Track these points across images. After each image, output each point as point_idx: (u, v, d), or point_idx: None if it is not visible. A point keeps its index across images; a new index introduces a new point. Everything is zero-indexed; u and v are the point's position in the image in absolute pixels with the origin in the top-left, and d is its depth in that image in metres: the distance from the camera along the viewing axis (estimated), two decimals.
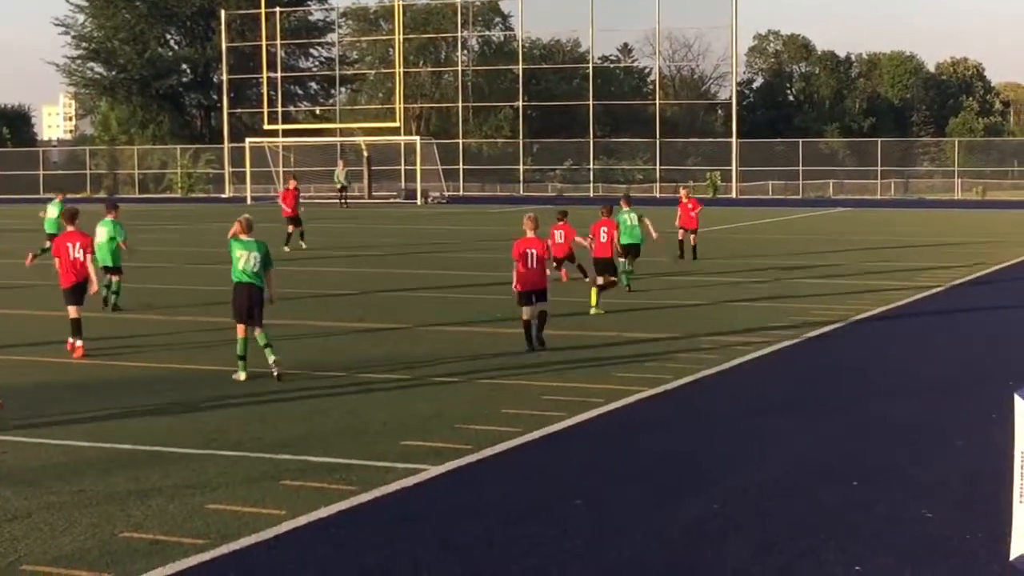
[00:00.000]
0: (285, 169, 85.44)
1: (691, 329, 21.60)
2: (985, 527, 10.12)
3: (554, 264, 24.69)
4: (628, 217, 28.48)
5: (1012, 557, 8.54)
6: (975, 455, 12.75)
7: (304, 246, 39.55)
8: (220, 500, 11.12)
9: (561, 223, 26.63)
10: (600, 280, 24.46)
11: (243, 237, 17.31)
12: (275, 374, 17.04)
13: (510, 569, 9.40)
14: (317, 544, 9.97)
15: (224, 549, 9.78)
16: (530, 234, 19.76)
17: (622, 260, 27.33)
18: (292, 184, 42.84)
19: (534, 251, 19.64)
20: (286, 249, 37.96)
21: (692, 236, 35.36)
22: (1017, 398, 8.65)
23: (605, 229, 24.99)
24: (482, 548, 9.91)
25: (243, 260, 17.17)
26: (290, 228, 39.83)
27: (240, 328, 17.26)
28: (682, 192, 37.22)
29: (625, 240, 27.71)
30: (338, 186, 69.53)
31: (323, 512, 10.74)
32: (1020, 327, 22.66)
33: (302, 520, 10.51)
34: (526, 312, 19.60)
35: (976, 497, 11.21)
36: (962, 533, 10.16)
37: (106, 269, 23.49)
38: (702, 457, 12.96)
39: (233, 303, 17.32)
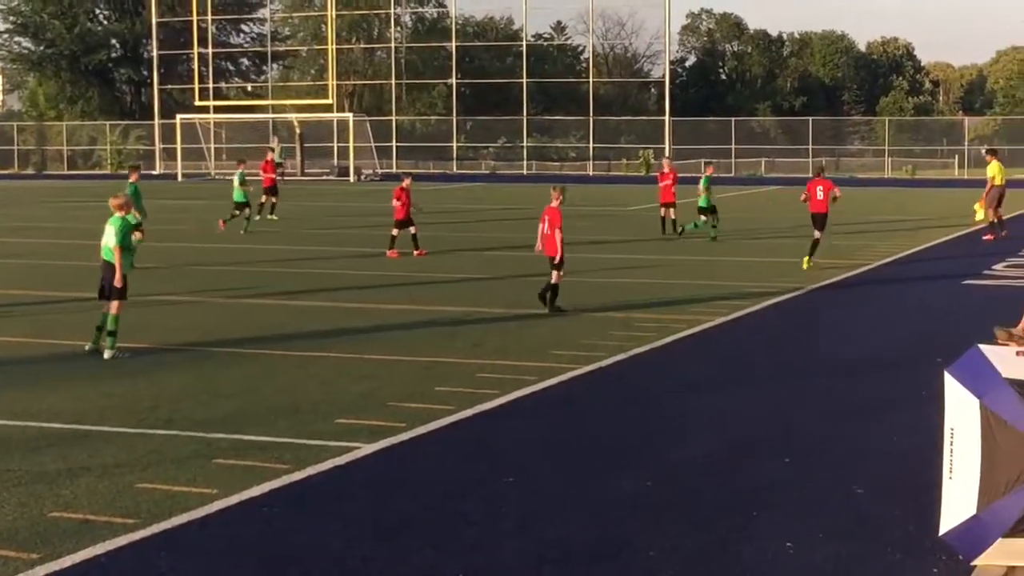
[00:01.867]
0: (218, 145, 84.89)
1: (625, 307, 21.65)
2: (915, 503, 10.22)
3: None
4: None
5: (941, 532, 8.63)
6: (904, 432, 12.87)
7: (274, 218, 41.60)
8: (151, 479, 11.03)
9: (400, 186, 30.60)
10: (817, 234, 27.71)
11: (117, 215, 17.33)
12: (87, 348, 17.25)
13: (443, 547, 9.39)
14: (249, 523, 9.92)
15: (154, 528, 9.70)
16: (553, 204, 21.07)
17: (703, 219, 34.29)
18: (271, 155, 46.74)
19: (545, 219, 21.01)
20: (271, 217, 41.68)
21: (671, 210, 36.09)
22: (946, 375, 8.73)
23: (821, 188, 28.23)
24: (415, 526, 9.90)
25: (105, 235, 17.26)
26: (265, 199, 42.61)
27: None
28: (666, 165, 38.19)
29: (706, 203, 34.31)
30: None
31: (255, 491, 10.68)
32: (949, 305, 22.89)
33: (234, 499, 10.45)
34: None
35: (906, 473, 11.32)
36: (892, 509, 10.25)
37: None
38: (635, 434, 13.00)
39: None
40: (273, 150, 50.55)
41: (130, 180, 28.69)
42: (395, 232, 30.72)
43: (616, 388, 15.42)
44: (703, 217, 34.70)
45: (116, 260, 17.09)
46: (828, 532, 9.71)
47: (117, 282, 17.02)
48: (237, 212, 37.13)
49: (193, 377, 15.74)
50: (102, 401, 14.34)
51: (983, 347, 8.82)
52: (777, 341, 19.15)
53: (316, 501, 10.53)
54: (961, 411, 8.55)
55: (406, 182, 31.41)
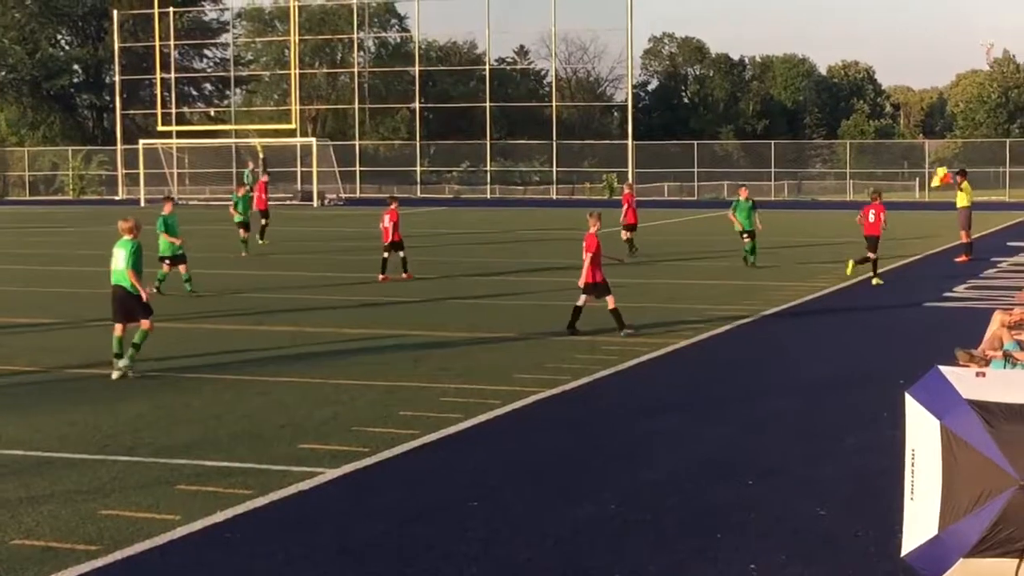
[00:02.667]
0: (181, 170, 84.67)
1: (589, 330, 21.68)
2: (876, 524, 10.27)
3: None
4: (744, 205, 34.01)
5: (903, 553, 8.66)
6: (866, 453, 12.93)
7: (264, 242, 42.12)
8: (113, 506, 10.98)
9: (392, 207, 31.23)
10: (870, 254, 29.84)
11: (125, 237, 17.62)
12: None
13: (407, 571, 9.38)
14: (212, 549, 9.88)
15: (117, 555, 9.65)
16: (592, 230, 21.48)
17: (746, 240, 33.84)
18: (266, 177, 48.16)
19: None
20: (262, 241, 41.82)
21: (630, 232, 37.18)
22: (907, 396, 8.77)
23: (874, 211, 30.31)
24: (379, 551, 9.88)
25: (114, 258, 17.60)
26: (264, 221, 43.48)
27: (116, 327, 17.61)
28: (626, 189, 39.39)
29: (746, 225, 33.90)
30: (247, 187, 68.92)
31: (219, 517, 10.64)
32: (910, 326, 23.02)
33: (197, 525, 10.41)
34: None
35: (867, 494, 11.37)
36: (854, 530, 10.30)
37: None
38: (598, 457, 13.01)
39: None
40: (269, 173, 51.09)
41: (164, 212, 27.72)
42: (391, 253, 30.86)
43: (580, 411, 15.43)
44: (747, 239, 34.09)
45: (133, 282, 17.42)
46: (791, 554, 9.74)
47: (145, 298, 17.49)
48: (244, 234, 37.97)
49: (155, 403, 15.67)
50: (63, 428, 14.26)
51: (944, 368, 8.87)
52: (739, 363, 19.20)
53: (279, 527, 10.49)
54: (922, 432, 8.59)
55: (394, 205, 31.62)
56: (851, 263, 30.46)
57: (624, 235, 37.18)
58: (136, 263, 17.52)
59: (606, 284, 21.24)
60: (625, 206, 37.49)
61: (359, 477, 12.08)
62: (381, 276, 30.27)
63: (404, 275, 30.33)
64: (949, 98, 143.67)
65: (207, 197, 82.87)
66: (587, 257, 21.07)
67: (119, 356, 17.43)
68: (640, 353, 19.30)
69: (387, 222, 30.96)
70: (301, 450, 13.06)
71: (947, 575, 8.38)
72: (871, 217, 30.40)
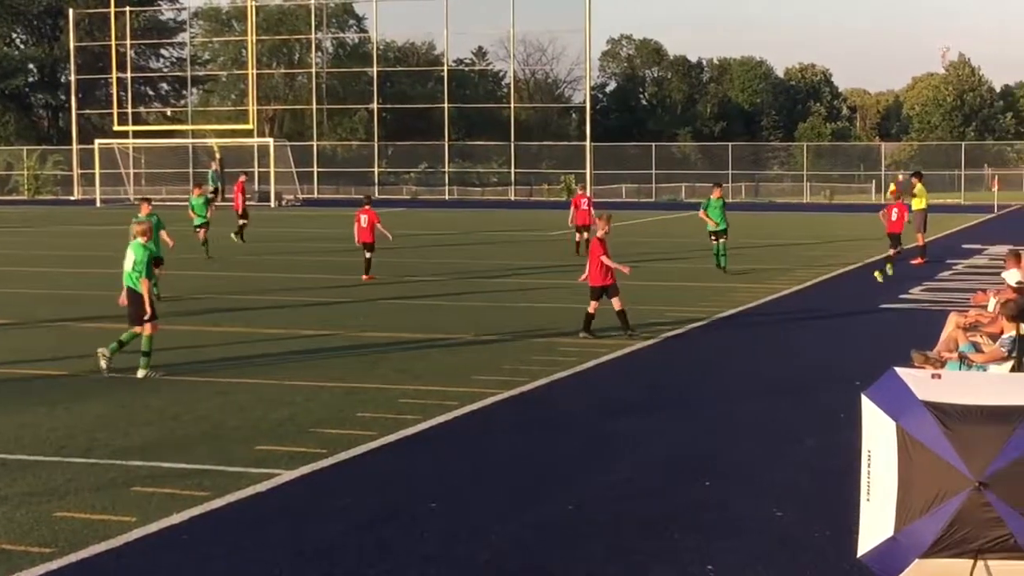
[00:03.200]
0: (137, 171, 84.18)
1: (546, 331, 21.69)
2: (833, 525, 10.32)
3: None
4: (716, 204, 32.79)
5: (860, 554, 8.70)
6: (823, 454, 12.99)
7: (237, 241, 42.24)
8: (69, 507, 10.91)
9: (365, 207, 31.34)
10: (891, 251, 32.54)
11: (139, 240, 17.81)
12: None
13: (365, 573, 9.36)
14: (168, 551, 9.83)
15: (72, 557, 9.59)
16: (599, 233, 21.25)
17: (716, 241, 32.57)
18: (243, 178, 47.85)
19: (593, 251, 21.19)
20: (235, 238, 42.25)
21: (586, 233, 36.79)
22: (863, 398, 8.82)
23: (896, 210, 32.86)
24: (336, 553, 9.85)
25: (125, 260, 17.72)
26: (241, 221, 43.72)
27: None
28: (579, 191, 40.18)
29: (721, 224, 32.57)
30: (211, 188, 68.63)
31: (175, 518, 10.60)
32: (867, 328, 23.13)
33: (153, 527, 10.36)
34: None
35: (824, 495, 11.42)
36: (811, 531, 10.34)
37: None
38: (557, 459, 13.02)
39: None
40: (246, 173, 51.12)
41: (143, 213, 27.11)
42: (370, 255, 31.03)
43: (538, 413, 15.44)
44: (715, 240, 32.79)
45: (142, 288, 17.51)
46: (748, 554, 9.77)
47: (147, 307, 17.50)
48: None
49: (112, 404, 15.58)
50: (18, 430, 14.16)
51: (900, 370, 8.92)
52: (697, 366, 19.26)
53: (236, 528, 10.45)
54: (878, 433, 8.64)
55: (369, 205, 31.88)
56: (880, 273, 30.62)
57: (577, 236, 37.45)
58: (149, 269, 17.71)
59: (615, 285, 21.07)
60: (573, 209, 37.86)
61: (316, 478, 12.05)
62: (365, 276, 30.42)
63: (364, 277, 30.27)
64: (905, 101, 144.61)
65: (164, 197, 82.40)
66: (593, 261, 21.01)
67: (147, 355, 17.55)
68: (599, 354, 19.32)
69: (364, 222, 31.03)
70: (258, 451, 13.01)
71: (903, 575, 8.43)
72: (894, 215, 32.96)
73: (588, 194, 39.45)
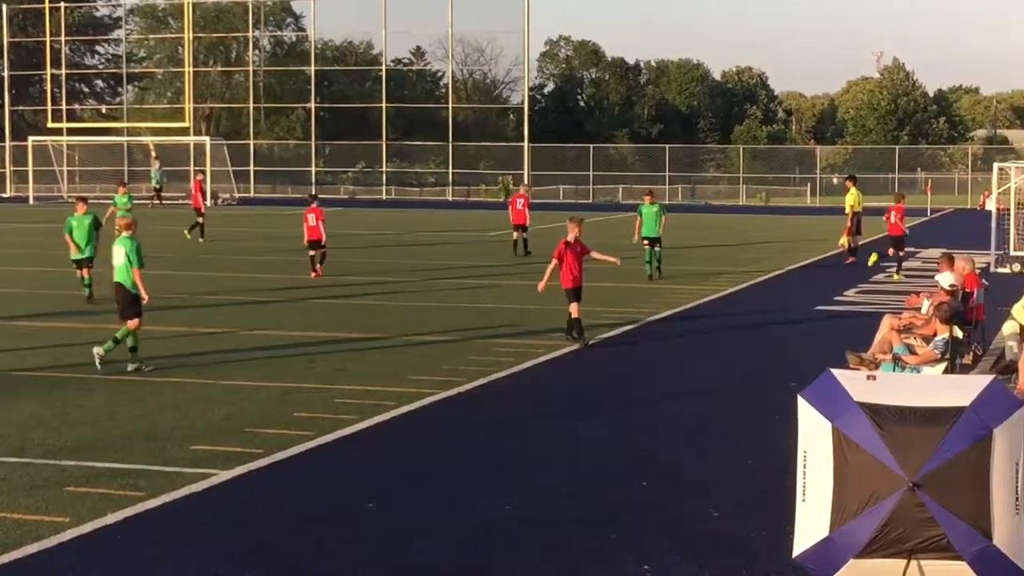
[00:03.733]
0: (71, 168, 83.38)
1: (484, 331, 21.69)
2: (769, 525, 10.39)
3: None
4: (649, 211, 31.93)
5: (795, 554, 8.76)
6: (759, 455, 13.07)
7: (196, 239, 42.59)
8: (1, 508, 10.79)
9: (312, 207, 31.57)
10: (890, 251, 33.58)
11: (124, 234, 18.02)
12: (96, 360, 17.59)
13: (302, 574, 9.32)
14: (103, 552, 9.75)
15: (5, 558, 9.50)
16: (570, 237, 21.09)
17: (647, 248, 31.57)
18: (200, 177, 48.33)
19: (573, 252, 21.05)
20: (187, 235, 42.61)
21: (524, 233, 37.77)
22: (799, 399, 8.88)
23: (895, 213, 33.65)
24: (273, 552, 9.81)
25: (113, 256, 17.99)
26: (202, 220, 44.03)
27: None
28: (522, 190, 40.26)
29: (647, 232, 31.68)
30: (154, 186, 68.30)
31: (109, 519, 10.52)
32: (802, 330, 23.29)
33: (87, 527, 10.27)
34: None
35: (760, 496, 11.50)
36: (747, 531, 10.41)
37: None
38: (494, 459, 13.03)
39: None
40: (203, 172, 50.86)
41: (79, 212, 26.37)
42: (314, 252, 31.31)
43: (475, 413, 15.44)
44: (647, 245, 31.79)
45: (136, 280, 17.74)
46: (684, 554, 9.82)
47: (144, 298, 17.85)
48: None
49: (45, 404, 15.43)
50: None
51: (835, 371, 8.99)
52: (633, 367, 19.32)
53: (171, 528, 10.39)
54: (814, 434, 8.71)
55: (315, 203, 32.22)
56: (875, 255, 34.87)
57: (514, 235, 37.62)
58: (139, 261, 17.90)
59: (577, 290, 20.90)
60: (511, 208, 38.42)
61: (253, 479, 12.00)
62: (313, 273, 30.77)
63: (314, 273, 30.73)
64: (840, 105, 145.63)
65: (98, 195, 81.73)
66: (553, 263, 20.95)
67: (134, 350, 17.72)
68: (535, 355, 19.35)
69: (313, 220, 31.25)
70: (194, 451, 12.94)
71: (838, 575, 8.49)
72: (892, 218, 33.71)
73: (527, 194, 39.52)
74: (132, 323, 17.74)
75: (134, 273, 17.79)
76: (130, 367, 17.55)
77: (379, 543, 10.03)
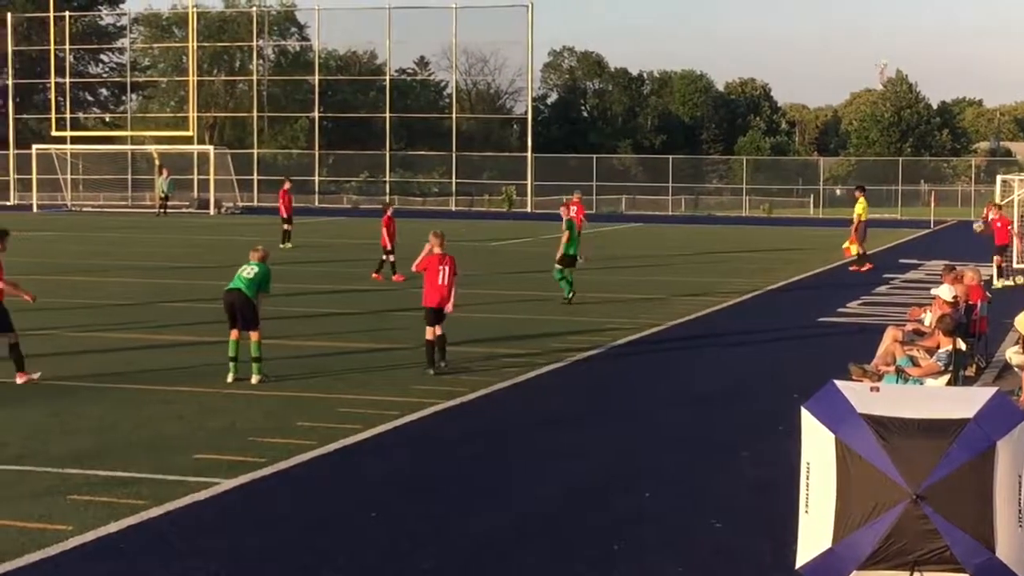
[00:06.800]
0: (75, 176, 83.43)
1: (486, 342, 21.68)
2: (772, 536, 10.37)
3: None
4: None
5: (798, 565, 8.76)
6: (762, 466, 13.07)
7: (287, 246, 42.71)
8: (4, 516, 10.81)
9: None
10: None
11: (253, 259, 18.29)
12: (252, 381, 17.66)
13: None
14: (105, 560, 9.76)
15: (7, 566, 9.50)
16: (438, 250, 19.32)
17: (558, 267, 27.96)
18: (287, 186, 47.72)
19: (446, 267, 19.25)
20: (287, 246, 42.61)
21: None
22: (803, 410, 8.88)
23: (999, 222, 33.74)
24: (276, 562, 9.81)
25: (242, 270, 18.15)
26: (286, 227, 44.75)
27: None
28: (576, 198, 41.45)
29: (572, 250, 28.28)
30: (160, 195, 68.58)
31: (112, 527, 10.52)
32: (805, 341, 23.27)
33: (90, 536, 10.27)
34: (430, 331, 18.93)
35: (763, 507, 11.49)
36: (750, 542, 10.40)
37: None
38: (496, 469, 13.03)
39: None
40: (289, 181, 50.48)
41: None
42: (391, 258, 32.24)
43: (478, 423, 15.44)
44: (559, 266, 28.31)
45: (257, 300, 17.97)
46: (687, 565, 9.81)
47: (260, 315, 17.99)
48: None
49: (48, 412, 15.43)
50: None
51: (839, 383, 9.00)
52: (637, 377, 19.31)
53: (174, 537, 10.38)
54: (817, 446, 8.71)
55: (390, 210, 33.73)
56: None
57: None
58: (267, 285, 18.28)
59: (440, 311, 19.23)
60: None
61: (255, 487, 12.00)
62: (395, 276, 32.15)
63: (394, 277, 31.97)
64: (843, 116, 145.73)
65: (101, 204, 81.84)
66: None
67: (234, 359, 17.73)
68: (538, 366, 19.34)
69: (385, 227, 32.87)
70: (197, 460, 12.94)
71: None
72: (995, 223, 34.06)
73: (580, 202, 40.94)
74: (255, 335, 17.80)
75: (261, 298, 18.15)
76: (253, 380, 17.64)
77: (382, 553, 10.03)
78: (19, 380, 17.27)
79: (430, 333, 18.86)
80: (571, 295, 27.62)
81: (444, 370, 18.55)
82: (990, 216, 35.90)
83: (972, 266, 23.06)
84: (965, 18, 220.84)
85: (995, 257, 33.58)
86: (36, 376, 17.44)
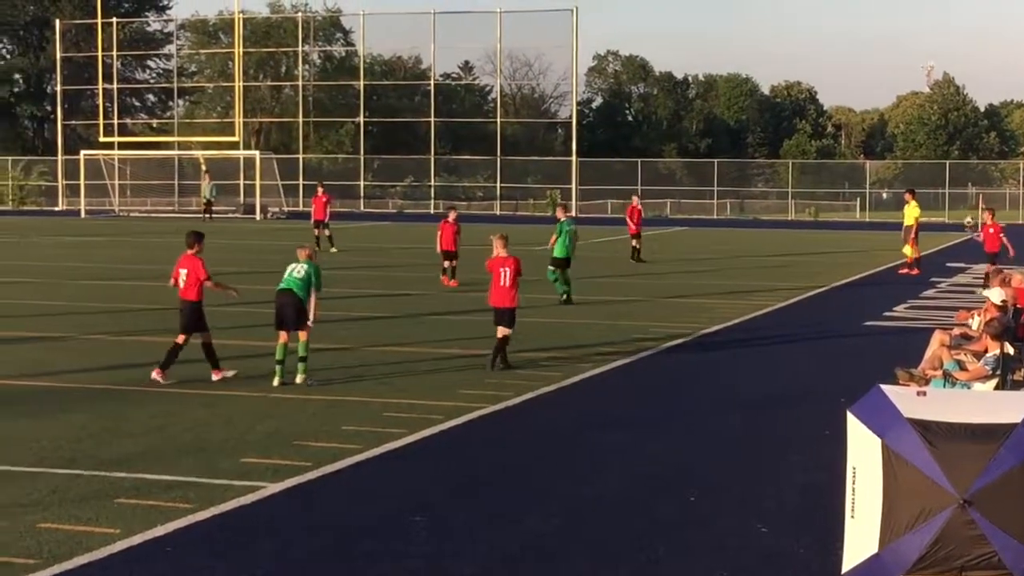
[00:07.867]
0: (122, 182, 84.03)
1: (532, 346, 21.67)
2: (818, 541, 10.33)
3: None
4: (571, 229, 29.65)
5: (844, 571, 8.73)
6: (808, 470, 13.01)
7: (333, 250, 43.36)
8: (52, 519, 10.88)
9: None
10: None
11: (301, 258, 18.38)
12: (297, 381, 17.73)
13: None
14: (152, 563, 9.81)
15: (56, 569, 9.57)
16: (502, 252, 19.74)
17: (551, 269, 28.82)
18: (320, 191, 48.16)
19: (507, 269, 19.54)
20: (333, 250, 43.26)
21: (637, 240, 41.99)
22: (849, 414, 8.85)
23: (992, 228, 34.04)
24: (321, 566, 9.84)
25: (291, 270, 18.23)
26: (326, 232, 45.38)
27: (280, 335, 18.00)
28: (635, 202, 43.61)
29: (561, 252, 28.93)
30: (204, 200, 69.26)
31: (159, 530, 10.58)
32: (851, 345, 23.16)
33: (137, 539, 10.34)
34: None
35: (809, 512, 11.44)
36: (796, 547, 10.35)
37: None
38: (542, 473, 13.03)
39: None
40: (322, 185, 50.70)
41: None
42: (453, 263, 32.47)
43: (523, 427, 15.44)
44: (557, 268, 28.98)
45: (310, 299, 17.99)
46: (733, 570, 9.78)
47: (312, 316, 18.04)
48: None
49: (96, 416, 15.54)
50: (2, 441, 14.10)
51: (885, 387, 8.96)
52: (682, 381, 19.27)
53: (220, 541, 10.43)
54: (863, 450, 8.68)
55: (452, 215, 33.71)
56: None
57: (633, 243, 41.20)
58: (319, 282, 18.27)
59: (502, 311, 19.46)
60: (628, 220, 42.12)
61: (302, 491, 12.04)
62: (452, 281, 32.14)
63: (451, 283, 32.00)
64: (890, 119, 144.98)
65: (149, 209, 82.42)
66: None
67: (281, 363, 17.82)
68: (583, 370, 19.33)
69: (448, 232, 32.81)
70: (244, 464, 13.00)
71: None
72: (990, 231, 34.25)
73: (639, 205, 43.12)
74: (303, 335, 17.92)
75: (314, 295, 18.11)
76: (297, 380, 17.75)
77: (426, 557, 10.04)
78: (214, 377, 17.99)
79: (499, 332, 19.29)
80: (564, 295, 28.35)
81: (493, 373, 18.59)
82: (987, 221, 35.77)
83: (1020, 269, 22.89)
84: (1013, 20, 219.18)
85: (986, 266, 33.30)
86: (231, 374, 18.11)
